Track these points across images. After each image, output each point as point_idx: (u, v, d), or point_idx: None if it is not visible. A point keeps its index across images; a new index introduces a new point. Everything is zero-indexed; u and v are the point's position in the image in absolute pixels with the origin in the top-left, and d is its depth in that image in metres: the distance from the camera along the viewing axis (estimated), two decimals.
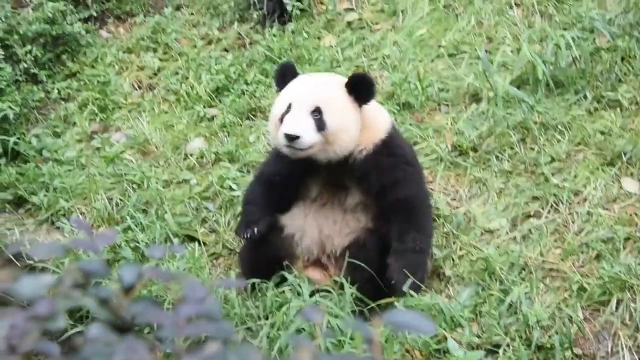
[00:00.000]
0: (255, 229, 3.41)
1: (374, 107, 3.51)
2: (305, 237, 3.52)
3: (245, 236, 3.44)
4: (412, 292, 3.36)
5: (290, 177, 3.48)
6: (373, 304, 3.31)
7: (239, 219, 3.70)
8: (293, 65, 3.58)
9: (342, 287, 3.38)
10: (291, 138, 3.20)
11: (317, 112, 3.26)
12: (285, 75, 3.45)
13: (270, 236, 3.50)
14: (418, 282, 3.42)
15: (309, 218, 3.53)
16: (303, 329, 3.16)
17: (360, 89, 3.34)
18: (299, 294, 3.32)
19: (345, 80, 3.42)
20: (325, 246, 3.52)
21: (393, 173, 3.42)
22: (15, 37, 5.10)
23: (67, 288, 0.86)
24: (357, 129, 3.36)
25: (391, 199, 3.40)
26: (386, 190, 3.40)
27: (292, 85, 3.40)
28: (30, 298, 0.87)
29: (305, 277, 3.44)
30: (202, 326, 0.85)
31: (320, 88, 3.35)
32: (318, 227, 3.51)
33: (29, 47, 5.12)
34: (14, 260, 4.01)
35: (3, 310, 0.86)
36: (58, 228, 4.30)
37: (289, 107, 3.29)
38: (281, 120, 3.29)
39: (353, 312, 3.30)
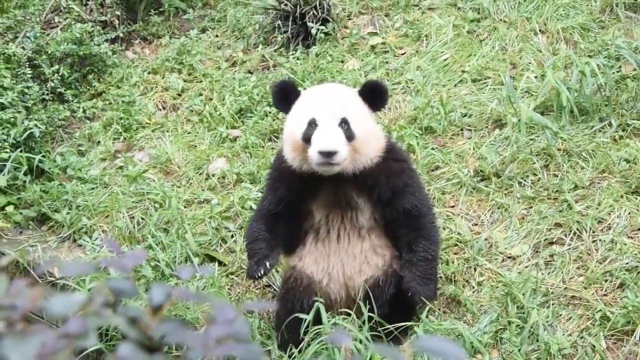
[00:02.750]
0: (267, 263, 3.25)
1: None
2: (332, 281, 3.46)
3: (259, 275, 3.26)
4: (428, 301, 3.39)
5: (292, 205, 3.37)
6: (392, 327, 3.28)
7: (247, 261, 3.50)
8: (293, 83, 3.44)
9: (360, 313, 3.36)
10: (329, 154, 3.10)
11: (344, 123, 3.18)
12: (287, 94, 3.31)
13: (301, 288, 3.44)
14: (433, 291, 3.41)
15: (331, 258, 3.45)
16: (325, 348, 3.14)
17: (375, 95, 3.30)
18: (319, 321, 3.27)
19: (355, 89, 3.38)
20: (348, 288, 3.48)
21: (401, 178, 3.36)
22: (44, 57, 5.17)
23: (97, 306, 0.87)
24: (379, 135, 3.35)
25: (400, 206, 3.34)
26: (396, 196, 3.33)
27: (308, 102, 3.27)
28: (61, 316, 0.88)
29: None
30: (231, 347, 0.85)
31: (342, 99, 3.26)
32: (342, 266, 3.44)
33: (56, 66, 5.20)
34: (36, 277, 4.04)
35: (34, 327, 0.86)
36: (80, 245, 4.33)
37: (312, 123, 3.18)
38: (305, 139, 3.18)
39: (372, 337, 3.27)
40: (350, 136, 3.17)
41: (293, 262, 3.50)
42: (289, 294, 3.46)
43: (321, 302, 3.29)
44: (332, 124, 3.15)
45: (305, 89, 4.91)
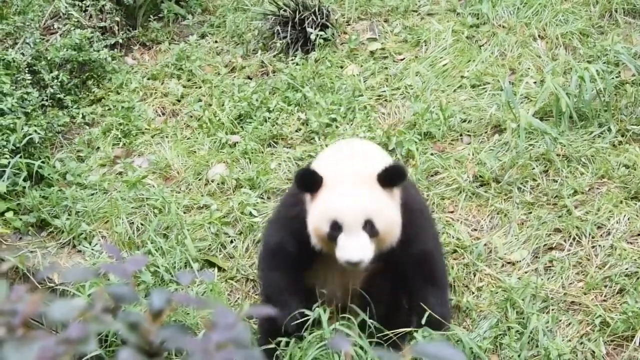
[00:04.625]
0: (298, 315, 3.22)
1: (382, 159, 3.29)
2: (327, 282, 3.42)
3: (294, 330, 3.21)
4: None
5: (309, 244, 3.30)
6: (391, 333, 3.28)
7: (270, 305, 3.22)
8: (315, 172, 3.20)
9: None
10: (355, 264, 3.09)
11: (368, 223, 3.11)
12: (311, 181, 3.18)
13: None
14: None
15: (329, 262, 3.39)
16: (322, 355, 3.14)
17: (394, 180, 3.18)
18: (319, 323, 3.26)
19: (376, 164, 3.20)
20: (346, 285, 3.45)
21: (410, 229, 3.27)
22: (43, 62, 5.17)
23: (97, 312, 0.87)
24: (400, 215, 3.23)
25: (410, 254, 3.28)
26: (404, 246, 3.27)
27: (330, 196, 3.14)
28: (61, 322, 0.88)
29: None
30: (231, 353, 0.85)
31: (365, 198, 3.13)
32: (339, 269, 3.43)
33: (55, 72, 5.19)
34: (36, 283, 4.04)
35: (34, 333, 0.86)
36: (79, 251, 4.33)
37: (336, 225, 3.10)
38: (331, 239, 3.12)
39: (370, 343, 3.27)
40: (373, 234, 3.12)
41: None
42: None
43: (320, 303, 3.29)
44: (356, 228, 3.09)
45: (306, 97, 4.95)
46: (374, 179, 3.15)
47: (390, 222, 3.17)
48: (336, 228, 3.11)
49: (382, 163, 3.19)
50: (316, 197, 3.18)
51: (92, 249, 4.27)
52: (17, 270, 4.16)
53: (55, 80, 5.16)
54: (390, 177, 3.16)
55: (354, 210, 3.11)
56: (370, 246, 3.10)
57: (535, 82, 4.76)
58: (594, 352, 3.30)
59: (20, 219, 4.44)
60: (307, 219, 3.23)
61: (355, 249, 3.07)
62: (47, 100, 5.10)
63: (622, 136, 4.32)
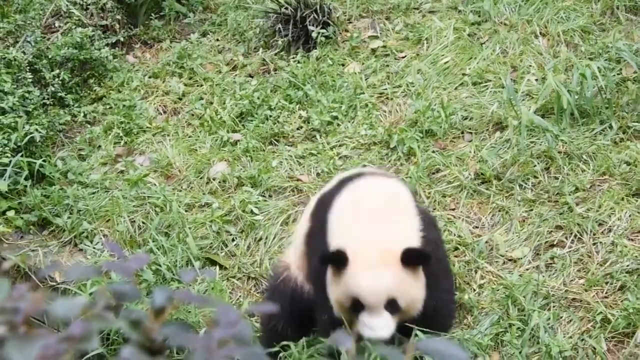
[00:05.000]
0: None
1: (410, 226, 3.19)
2: None
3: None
4: None
5: None
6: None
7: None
8: (343, 254, 3.07)
9: None
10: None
11: (390, 302, 3.04)
12: (339, 262, 3.08)
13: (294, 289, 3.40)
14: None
15: None
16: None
17: (417, 263, 3.09)
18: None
19: (401, 237, 3.10)
20: None
21: (429, 295, 3.16)
22: (44, 61, 5.18)
23: (100, 310, 0.87)
24: (424, 285, 3.15)
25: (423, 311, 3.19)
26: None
27: (354, 276, 3.05)
28: (64, 319, 0.88)
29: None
30: (233, 350, 0.85)
31: (388, 279, 3.04)
32: None
33: (57, 71, 5.20)
34: (37, 282, 4.04)
35: (37, 331, 0.87)
36: (81, 250, 4.34)
37: (359, 304, 3.03)
38: (353, 312, 3.07)
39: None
40: (395, 310, 3.06)
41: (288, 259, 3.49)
42: (278, 291, 3.43)
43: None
44: (378, 308, 3.04)
45: (307, 96, 4.95)
46: (397, 258, 3.05)
47: (413, 298, 3.11)
48: (358, 306, 3.06)
49: (408, 236, 3.12)
50: (339, 271, 3.10)
51: (94, 248, 4.28)
52: (18, 269, 4.17)
53: (57, 79, 5.16)
54: (413, 261, 3.08)
55: (376, 292, 3.05)
56: (392, 323, 3.05)
57: (536, 80, 4.76)
58: (594, 348, 3.31)
59: (22, 218, 4.44)
60: (328, 289, 3.17)
61: (377, 328, 3.03)
62: (48, 99, 5.10)
63: (624, 133, 4.32)
